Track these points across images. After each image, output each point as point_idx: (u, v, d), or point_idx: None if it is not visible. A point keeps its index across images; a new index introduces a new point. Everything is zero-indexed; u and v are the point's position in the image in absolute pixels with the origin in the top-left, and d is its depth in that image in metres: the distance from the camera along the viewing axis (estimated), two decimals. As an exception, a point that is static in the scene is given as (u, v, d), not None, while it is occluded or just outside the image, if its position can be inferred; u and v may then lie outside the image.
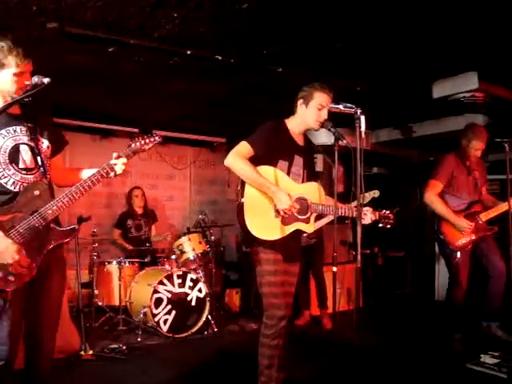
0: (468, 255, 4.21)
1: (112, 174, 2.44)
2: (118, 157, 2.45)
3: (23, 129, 2.34)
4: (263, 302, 3.00)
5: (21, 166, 2.30)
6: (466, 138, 4.22)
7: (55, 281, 2.40)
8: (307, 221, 3.08)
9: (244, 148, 2.93)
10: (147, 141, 2.55)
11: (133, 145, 2.52)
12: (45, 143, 2.42)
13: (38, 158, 2.34)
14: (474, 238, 4.16)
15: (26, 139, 2.33)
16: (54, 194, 2.41)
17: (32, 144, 2.34)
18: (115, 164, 2.43)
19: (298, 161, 3.12)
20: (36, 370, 2.39)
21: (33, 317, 2.36)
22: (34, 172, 2.34)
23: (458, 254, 4.14)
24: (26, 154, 2.32)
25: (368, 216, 3.09)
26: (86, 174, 2.47)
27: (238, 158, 2.89)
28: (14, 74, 2.22)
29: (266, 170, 2.93)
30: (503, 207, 4.13)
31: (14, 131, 2.31)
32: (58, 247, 2.38)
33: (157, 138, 2.59)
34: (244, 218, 2.88)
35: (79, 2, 3.02)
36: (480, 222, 4.17)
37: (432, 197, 4.22)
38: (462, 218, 4.15)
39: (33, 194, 2.26)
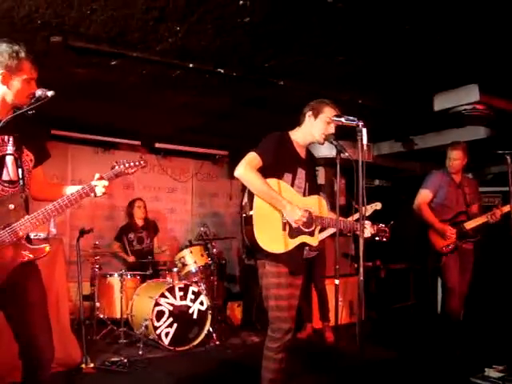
0: (455, 261, 4.34)
1: (92, 195, 2.35)
2: (100, 178, 2.36)
3: (11, 139, 2.27)
4: (269, 315, 2.97)
5: (4, 177, 2.23)
6: (446, 154, 4.51)
7: (31, 286, 2.31)
8: (312, 234, 3.09)
9: (254, 159, 2.90)
10: (132, 164, 2.46)
11: (116, 167, 2.43)
12: (29, 156, 2.36)
13: (20, 171, 2.27)
14: (457, 243, 4.32)
15: (12, 150, 2.26)
16: (29, 208, 2.32)
17: (17, 155, 2.27)
18: (96, 185, 2.34)
19: (301, 174, 3.12)
20: (35, 382, 2.33)
21: (20, 327, 2.29)
22: (15, 185, 2.27)
23: (443, 257, 4.33)
24: (11, 166, 2.25)
25: (367, 230, 3.12)
26: (66, 191, 2.39)
27: (249, 170, 2.86)
28: (24, 80, 2.19)
29: (271, 182, 2.92)
30: (485, 218, 4.28)
31: (2, 141, 2.24)
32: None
33: (142, 162, 2.51)
34: (253, 230, 2.86)
35: (83, 16, 3.06)
36: (464, 229, 4.33)
37: (420, 204, 4.47)
38: (447, 225, 4.32)
39: (7, 208, 2.19)
